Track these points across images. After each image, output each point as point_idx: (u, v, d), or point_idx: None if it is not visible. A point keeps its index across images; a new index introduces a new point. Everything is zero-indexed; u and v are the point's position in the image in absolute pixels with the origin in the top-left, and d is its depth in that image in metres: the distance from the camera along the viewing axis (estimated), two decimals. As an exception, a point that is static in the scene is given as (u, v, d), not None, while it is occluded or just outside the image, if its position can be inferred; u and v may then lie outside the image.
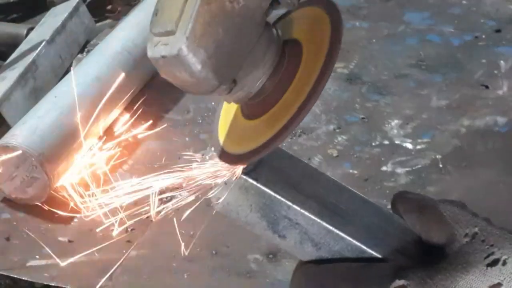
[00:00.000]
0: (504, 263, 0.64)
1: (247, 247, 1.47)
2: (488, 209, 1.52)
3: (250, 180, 0.72)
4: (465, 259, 0.64)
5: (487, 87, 1.84)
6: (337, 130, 1.74)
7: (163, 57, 0.64)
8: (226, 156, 0.74)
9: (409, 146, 1.68)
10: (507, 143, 1.68)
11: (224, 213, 0.74)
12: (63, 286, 1.43)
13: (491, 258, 0.64)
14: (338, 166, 1.64)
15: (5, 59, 1.89)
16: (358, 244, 0.72)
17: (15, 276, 1.45)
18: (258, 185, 0.73)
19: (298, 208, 0.72)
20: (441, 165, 1.63)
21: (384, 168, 1.63)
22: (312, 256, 0.73)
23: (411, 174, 1.61)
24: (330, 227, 0.73)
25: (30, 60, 1.82)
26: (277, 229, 0.73)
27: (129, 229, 1.52)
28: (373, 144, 1.70)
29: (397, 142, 1.70)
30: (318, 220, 0.72)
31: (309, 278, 0.70)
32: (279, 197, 0.72)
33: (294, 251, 0.74)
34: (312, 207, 0.72)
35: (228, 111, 0.77)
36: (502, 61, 1.91)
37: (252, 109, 0.71)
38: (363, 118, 1.77)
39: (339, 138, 1.72)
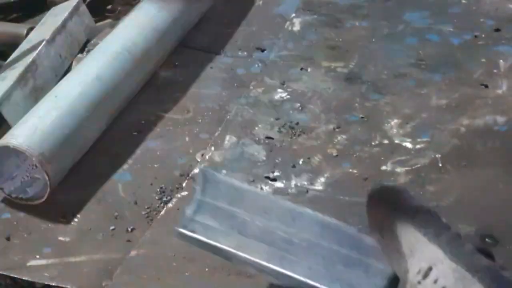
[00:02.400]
0: None
1: (247, 246, 1.47)
2: (487, 208, 1.53)
3: (188, 233, 0.71)
4: None
5: (486, 86, 1.84)
6: (337, 130, 1.74)
7: None
8: None
9: (409, 145, 1.69)
10: (507, 142, 1.68)
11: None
12: (64, 286, 1.43)
13: None
14: (338, 165, 1.64)
15: (5, 59, 1.90)
16: (312, 283, 0.69)
17: (15, 276, 1.45)
18: (198, 236, 0.71)
19: (244, 255, 0.70)
20: (440, 164, 1.63)
21: (383, 168, 1.63)
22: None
23: (411, 173, 1.61)
24: (281, 270, 0.70)
25: (30, 59, 1.82)
26: (233, 262, 0.71)
27: (129, 229, 1.53)
28: (373, 143, 1.70)
29: (396, 141, 1.70)
30: (266, 264, 0.69)
31: None
32: (222, 246, 0.70)
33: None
34: (259, 251, 0.69)
35: None
36: (501, 60, 1.91)
37: None
38: (362, 117, 1.77)
39: (339, 138, 1.72)
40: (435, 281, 0.56)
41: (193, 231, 0.65)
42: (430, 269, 0.56)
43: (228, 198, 0.66)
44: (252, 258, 0.66)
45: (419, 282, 0.58)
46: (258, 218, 0.67)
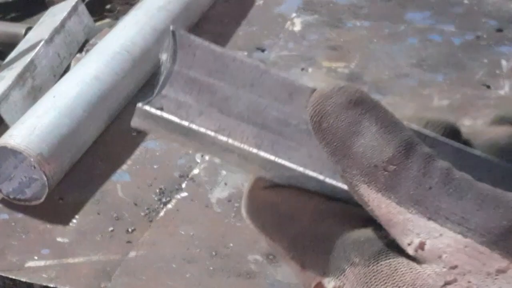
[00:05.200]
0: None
1: (247, 248, 1.47)
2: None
3: (154, 112, 0.49)
4: (416, 281, 0.47)
5: (488, 87, 1.84)
6: (338, 130, 1.73)
7: None
8: None
9: (410, 146, 1.68)
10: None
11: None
12: (62, 287, 1.42)
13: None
14: (339, 166, 1.63)
15: (3, 59, 1.89)
16: (312, 173, 0.53)
17: (14, 277, 1.44)
18: (167, 116, 0.50)
19: (225, 139, 0.51)
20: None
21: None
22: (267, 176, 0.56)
23: (413, 174, 1.60)
24: (272, 157, 0.52)
25: (29, 59, 1.81)
26: (211, 150, 0.53)
27: (129, 230, 1.52)
28: (374, 144, 1.69)
29: (398, 142, 1.69)
30: (255, 151, 0.51)
31: (266, 203, 0.55)
32: (197, 128, 0.51)
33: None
34: (246, 134, 0.52)
35: None
36: (503, 61, 1.90)
37: None
38: (364, 118, 1.76)
39: (340, 138, 1.71)
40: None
41: (160, 109, 0.45)
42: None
43: (206, 67, 0.49)
44: (236, 143, 0.48)
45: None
46: (244, 93, 0.49)
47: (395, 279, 0.47)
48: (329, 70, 1.91)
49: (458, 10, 2.10)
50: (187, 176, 1.63)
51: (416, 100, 1.81)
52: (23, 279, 1.44)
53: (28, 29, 1.98)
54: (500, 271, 0.44)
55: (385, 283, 0.47)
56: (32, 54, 1.83)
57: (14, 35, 1.98)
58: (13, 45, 1.93)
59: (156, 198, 1.58)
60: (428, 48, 1.96)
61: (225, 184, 1.60)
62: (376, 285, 0.46)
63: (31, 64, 1.82)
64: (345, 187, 0.51)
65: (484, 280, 0.44)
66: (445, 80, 1.86)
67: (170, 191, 1.60)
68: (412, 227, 0.46)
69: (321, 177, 0.52)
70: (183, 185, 1.60)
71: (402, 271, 0.46)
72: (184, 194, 1.58)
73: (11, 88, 1.75)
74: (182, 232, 1.50)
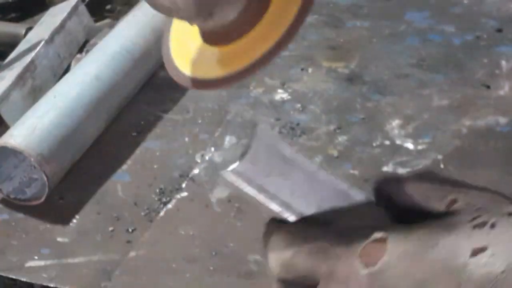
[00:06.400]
0: (493, 226, 0.61)
1: (247, 247, 1.47)
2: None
3: (230, 178, 0.69)
4: (449, 220, 0.62)
5: (488, 87, 1.84)
6: (338, 130, 1.73)
7: None
8: (203, 83, 0.73)
9: (410, 146, 1.68)
10: (509, 143, 1.68)
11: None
12: (62, 287, 1.42)
13: (478, 220, 0.61)
14: (339, 166, 1.63)
15: (3, 59, 1.89)
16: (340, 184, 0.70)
17: (14, 277, 1.45)
18: (239, 185, 0.70)
19: (280, 210, 0.71)
20: (442, 166, 1.62)
21: (385, 169, 1.63)
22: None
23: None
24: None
25: (29, 59, 1.81)
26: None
27: (129, 230, 1.52)
28: (374, 144, 1.69)
29: (398, 142, 1.69)
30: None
31: (292, 232, 0.68)
32: (262, 201, 0.71)
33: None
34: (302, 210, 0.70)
35: (181, 43, 0.77)
36: (503, 61, 1.90)
37: (218, 36, 0.71)
38: (363, 118, 1.76)
39: (340, 138, 1.71)
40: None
41: (237, 179, 0.67)
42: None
43: (277, 157, 0.69)
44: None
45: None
46: (304, 187, 0.70)
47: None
48: (329, 70, 1.91)
49: (458, 10, 2.10)
50: (187, 176, 1.63)
51: (416, 100, 1.81)
52: (23, 279, 1.44)
53: (28, 29, 1.98)
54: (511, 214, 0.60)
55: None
56: (32, 54, 1.83)
57: (14, 35, 1.98)
58: (13, 45, 1.92)
59: (156, 198, 1.59)
60: (428, 48, 1.96)
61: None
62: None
63: (31, 64, 1.82)
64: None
65: (500, 218, 0.59)
66: (445, 80, 1.86)
67: (170, 191, 1.60)
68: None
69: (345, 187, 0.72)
70: (183, 185, 1.60)
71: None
72: (184, 194, 1.58)
73: (11, 88, 1.75)
74: (182, 232, 1.50)
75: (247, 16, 0.69)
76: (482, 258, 0.59)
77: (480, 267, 0.58)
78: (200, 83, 0.73)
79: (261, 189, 0.68)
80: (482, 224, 0.61)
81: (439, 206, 0.61)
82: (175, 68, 0.76)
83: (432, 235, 0.60)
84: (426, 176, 0.66)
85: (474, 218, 0.61)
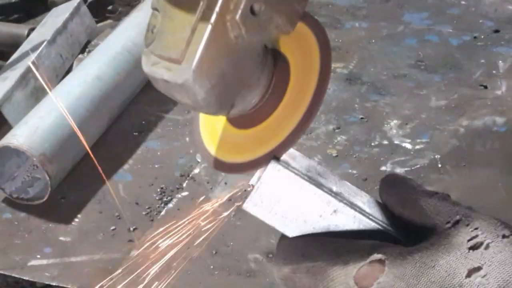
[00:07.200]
0: (487, 247, 0.64)
1: (247, 246, 1.48)
2: (486, 208, 1.53)
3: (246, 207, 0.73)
4: (447, 241, 0.65)
5: (485, 87, 1.85)
6: (337, 130, 1.74)
7: (165, 81, 0.66)
8: (224, 166, 0.76)
9: (408, 146, 1.69)
10: (506, 143, 1.69)
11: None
12: (64, 286, 1.43)
13: (474, 241, 0.64)
14: (338, 166, 1.64)
15: (6, 60, 1.90)
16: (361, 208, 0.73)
17: (17, 276, 1.45)
18: (254, 213, 0.73)
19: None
20: (440, 165, 1.64)
21: (383, 168, 1.64)
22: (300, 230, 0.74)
23: (410, 174, 1.61)
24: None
25: (32, 60, 1.82)
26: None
27: (131, 229, 1.53)
28: (372, 144, 1.70)
29: (396, 142, 1.70)
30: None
31: (292, 248, 0.71)
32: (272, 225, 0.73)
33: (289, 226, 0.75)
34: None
35: (209, 120, 0.79)
36: (500, 61, 1.91)
37: (242, 120, 0.74)
38: (362, 118, 1.78)
39: (339, 138, 1.72)
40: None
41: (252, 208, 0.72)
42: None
43: (294, 186, 0.73)
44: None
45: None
46: (314, 219, 0.73)
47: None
48: (328, 71, 1.92)
49: (455, 11, 2.11)
50: (188, 176, 1.64)
51: (414, 100, 1.82)
52: (26, 278, 1.45)
53: (31, 30, 1.99)
54: (506, 236, 0.64)
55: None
56: (34, 55, 1.84)
57: (17, 36, 1.99)
58: (16, 46, 1.93)
59: (157, 198, 1.59)
60: (426, 49, 1.97)
61: (225, 183, 1.61)
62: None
63: (34, 64, 1.83)
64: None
65: (494, 239, 0.63)
66: (442, 80, 1.88)
67: (171, 190, 1.61)
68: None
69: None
70: (184, 184, 1.61)
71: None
72: (185, 193, 1.59)
73: (14, 88, 1.76)
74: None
75: (268, 99, 0.70)
76: (476, 278, 0.63)
77: (474, 287, 0.62)
78: (220, 165, 0.76)
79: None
80: (478, 245, 0.64)
81: (444, 222, 0.65)
82: (201, 143, 0.78)
83: (432, 256, 0.63)
84: (440, 196, 0.69)
85: (470, 239, 0.64)
